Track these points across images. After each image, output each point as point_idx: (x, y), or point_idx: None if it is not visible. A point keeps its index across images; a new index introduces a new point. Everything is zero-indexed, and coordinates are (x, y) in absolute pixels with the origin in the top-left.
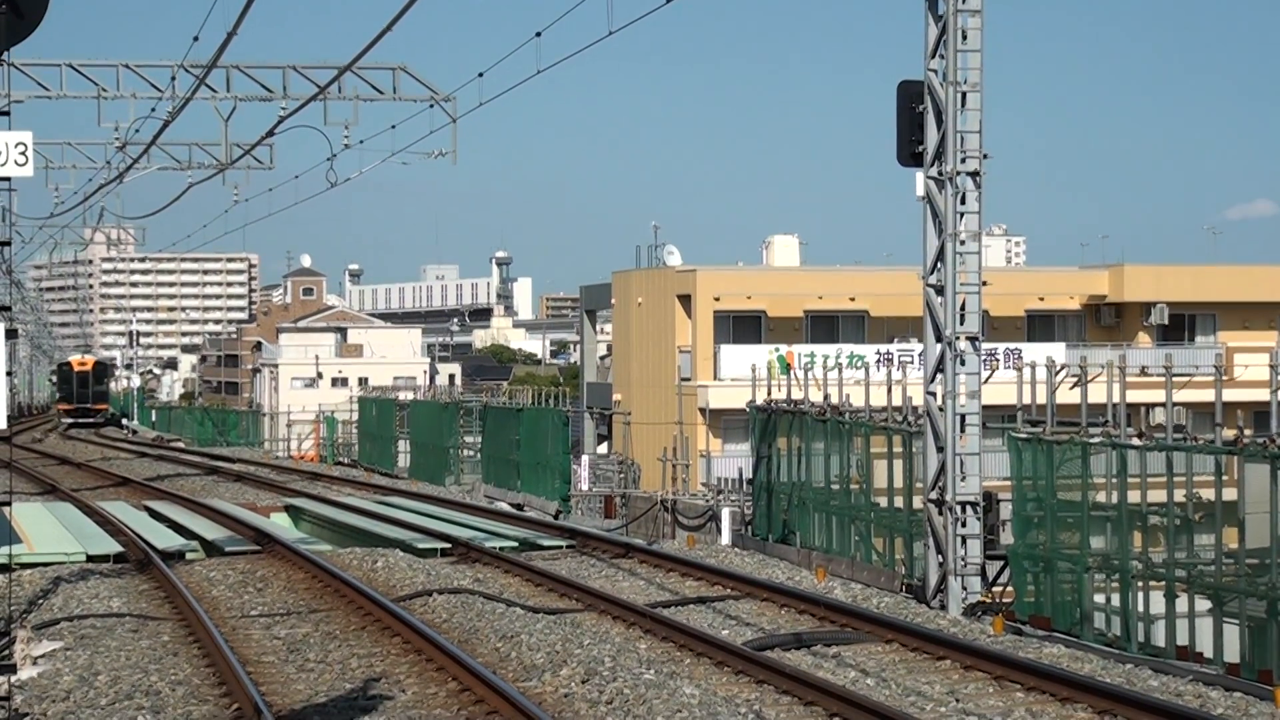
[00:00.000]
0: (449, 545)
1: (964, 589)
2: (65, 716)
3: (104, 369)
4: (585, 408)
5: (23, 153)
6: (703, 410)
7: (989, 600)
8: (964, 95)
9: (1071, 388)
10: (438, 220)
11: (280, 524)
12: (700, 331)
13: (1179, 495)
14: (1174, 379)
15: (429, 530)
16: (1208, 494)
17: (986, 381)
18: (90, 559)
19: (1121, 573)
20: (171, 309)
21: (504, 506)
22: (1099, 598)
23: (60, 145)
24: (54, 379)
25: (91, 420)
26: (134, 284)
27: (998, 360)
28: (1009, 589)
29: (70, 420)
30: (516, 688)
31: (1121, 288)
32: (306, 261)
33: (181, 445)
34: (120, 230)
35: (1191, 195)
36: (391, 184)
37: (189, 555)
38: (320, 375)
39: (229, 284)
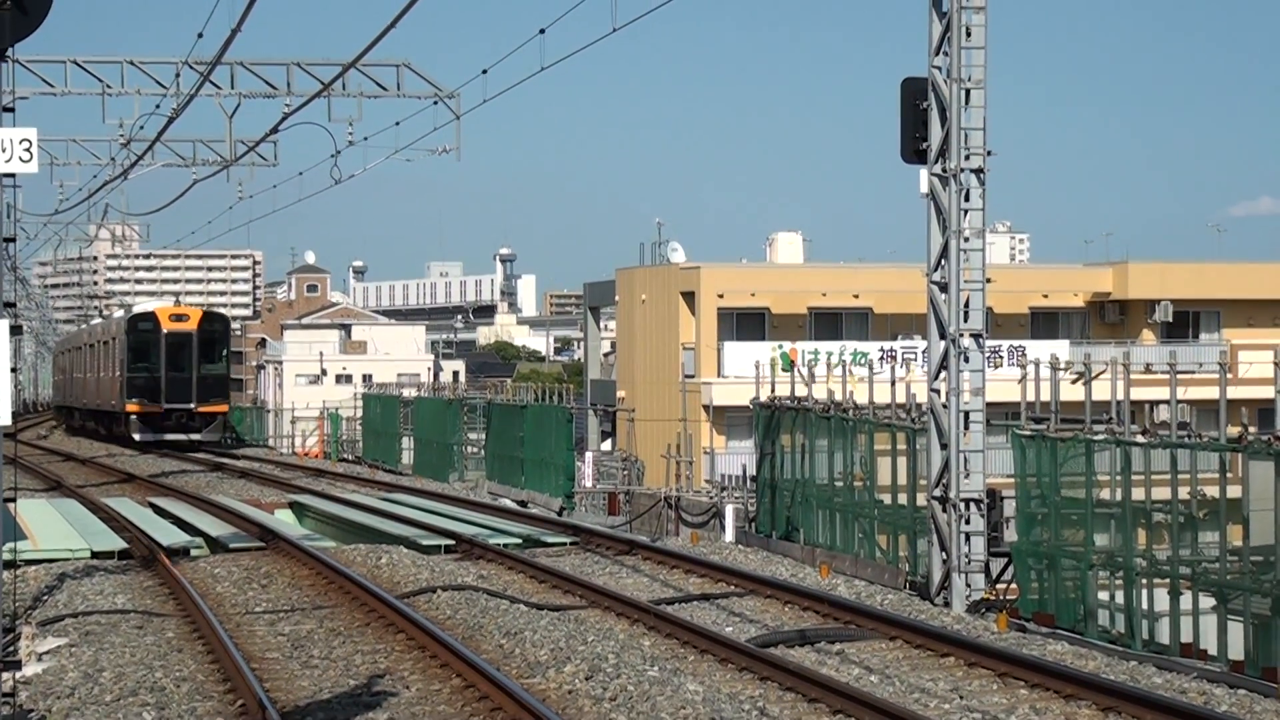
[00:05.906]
0: (453, 542)
1: (968, 586)
2: (70, 713)
3: (223, 327)
4: (589, 405)
5: (27, 149)
6: (706, 407)
7: (993, 597)
8: (968, 92)
9: (1073, 383)
10: (442, 217)
11: (285, 520)
12: (704, 328)
13: (1183, 492)
14: (1178, 376)
15: (433, 527)
16: (1212, 491)
17: (991, 379)
18: (95, 555)
19: (1126, 570)
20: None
21: (508, 503)
22: (1103, 595)
23: (65, 142)
24: (125, 346)
25: (196, 436)
26: (138, 280)
27: (1001, 357)
28: (1013, 586)
29: (152, 435)
30: (520, 684)
31: (1126, 285)
32: (310, 258)
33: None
34: (125, 227)
35: (1196, 192)
36: (395, 181)
37: (193, 551)
38: (324, 372)
39: (233, 280)
